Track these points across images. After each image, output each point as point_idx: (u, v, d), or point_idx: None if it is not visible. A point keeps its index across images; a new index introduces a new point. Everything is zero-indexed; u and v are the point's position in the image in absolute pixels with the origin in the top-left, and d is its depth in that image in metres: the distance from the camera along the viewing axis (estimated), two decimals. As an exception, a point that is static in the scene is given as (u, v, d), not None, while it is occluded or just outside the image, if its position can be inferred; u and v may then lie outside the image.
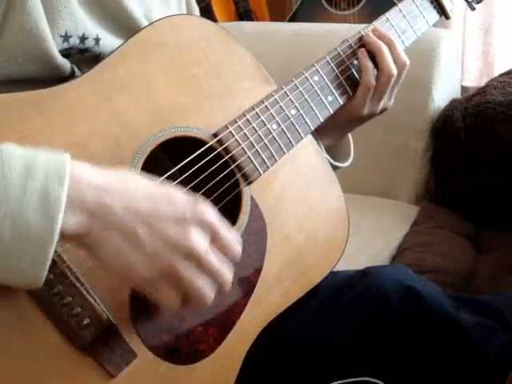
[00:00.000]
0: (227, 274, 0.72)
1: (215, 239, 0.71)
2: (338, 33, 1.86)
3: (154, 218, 0.68)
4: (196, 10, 1.06)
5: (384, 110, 1.02)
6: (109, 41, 0.86)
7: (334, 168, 1.04)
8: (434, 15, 1.07)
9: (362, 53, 0.98)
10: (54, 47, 0.80)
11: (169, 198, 0.70)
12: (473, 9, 1.17)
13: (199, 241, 0.69)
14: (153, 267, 0.68)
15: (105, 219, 0.66)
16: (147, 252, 0.67)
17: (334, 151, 1.07)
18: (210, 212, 0.71)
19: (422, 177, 1.83)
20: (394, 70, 0.97)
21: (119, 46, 0.82)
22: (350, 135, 1.08)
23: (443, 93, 1.82)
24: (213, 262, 0.70)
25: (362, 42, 0.99)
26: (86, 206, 0.65)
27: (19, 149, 0.65)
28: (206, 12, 2.72)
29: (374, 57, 0.98)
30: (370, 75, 0.97)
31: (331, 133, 1.04)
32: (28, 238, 0.62)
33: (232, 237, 0.72)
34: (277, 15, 2.99)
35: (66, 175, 0.64)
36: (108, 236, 0.66)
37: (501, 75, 1.85)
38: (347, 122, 1.03)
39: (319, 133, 1.00)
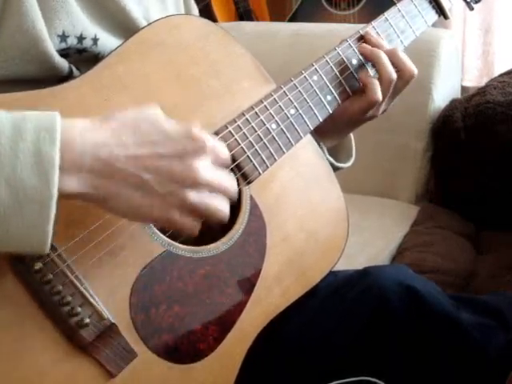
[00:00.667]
0: (234, 184, 0.75)
1: (214, 157, 0.72)
2: (338, 33, 1.86)
3: (156, 160, 0.68)
4: (195, 9, 1.06)
5: (384, 111, 1.02)
6: (107, 40, 0.86)
7: (336, 169, 1.05)
8: (432, 15, 1.07)
9: (366, 73, 0.97)
10: (51, 47, 0.79)
11: (164, 134, 0.70)
12: (471, 9, 1.17)
13: (205, 169, 0.70)
14: (168, 206, 0.69)
15: (108, 173, 0.66)
16: (159, 194, 0.68)
17: (336, 152, 1.07)
18: (205, 137, 0.71)
19: (422, 177, 1.83)
20: (394, 75, 0.96)
21: (118, 46, 0.82)
22: (351, 135, 1.08)
23: (443, 93, 1.82)
24: (222, 183, 0.73)
25: (362, 42, 0.98)
26: (84, 164, 0.65)
27: (6, 112, 0.64)
28: (206, 12, 2.72)
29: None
30: (376, 91, 0.96)
31: (332, 134, 1.03)
32: (26, 198, 0.61)
33: (223, 148, 0.75)
34: (277, 15, 2.99)
35: (57, 132, 0.63)
36: (116, 188, 0.67)
37: (501, 75, 1.85)
38: (347, 123, 1.02)
39: (320, 134, 1.00)
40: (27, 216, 0.62)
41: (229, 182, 0.74)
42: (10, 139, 0.62)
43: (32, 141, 0.62)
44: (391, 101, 1.01)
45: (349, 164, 1.08)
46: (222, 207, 0.73)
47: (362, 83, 0.97)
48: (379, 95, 0.95)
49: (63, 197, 0.64)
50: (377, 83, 0.96)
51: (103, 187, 0.66)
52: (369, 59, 0.98)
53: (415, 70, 0.98)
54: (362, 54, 0.98)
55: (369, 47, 0.97)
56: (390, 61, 0.96)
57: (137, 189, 0.68)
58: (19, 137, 0.62)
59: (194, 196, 0.70)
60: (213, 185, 0.72)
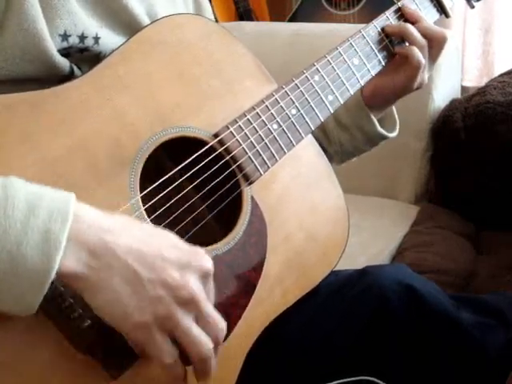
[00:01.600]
0: (224, 327, 0.70)
1: (208, 290, 0.70)
2: (338, 33, 1.86)
3: (157, 261, 0.66)
4: (207, 8, 1.06)
5: (419, 87, 1.06)
6: (109, 39, 0.86)
7: (380, 137, 1.09)
8: (433, 13, 1.08)
9: (399, 47, 1.03)
10: (52, 46, 0.79)
11: (172, 242, 0.69)
12: (472, 7, 1.18)
13: (200, 290, 0.68)
14: (152, 313, 0.65)
15: (106, 258, 0.64)
16: (148, 296, 0.65)
17: (381, 122, 1.10)
18: (210, 263, 0.70)
19: (422, 177, 1.83)
20: (424, 41, 1.01)
21: (120, 45, 0.82)
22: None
23: (443, 93, 1.82)
24: (212, 312, 0.69)
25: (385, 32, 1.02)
26: (86, 244, 0.64)
27: (25, 185, 0.64)
28: (206, 12, 2.72)
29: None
30: (417, 56, 1.00)
31: (381, 105, 1.08)
32: (23, 274, 0.61)
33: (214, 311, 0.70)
34: (277, 15, 2.99)
35: (70, 216, 0.63)
36: (108, 277, 0.64)
37: (501, 75, 1.85)
38: (396, 94, 1.07)
39: (370, 107, 1.06)
40: (20, 288, 0.62)
41: (221, 321, 0.70)
42: (22, 214, 0.61)
43: (43, 220, 0.62)
44: (432, 67, 1.06)
45: (395, 133, 1.12)
46: (204, 341, 0.68)
47: (400, 55, 1.02)
48: (421, 58, 1.00)
49: (57, 277, 0.63)
50: (415, 49, 1.00)
51: (97, 270, 0.64)
52: (397, 35, 1.02)
53: (445, 34, 1.03)
54: (388, 34, 1.02)
55: (393, 25, 1.02)
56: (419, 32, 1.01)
57: (128, 283, 0.65)
58: (32, 213, 0.62)
59: (181, 313, 0.66)
60: (204, 310, 0.68)
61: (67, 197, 0.64)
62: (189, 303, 0.67)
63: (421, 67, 1.01)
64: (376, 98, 1.06)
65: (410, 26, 1.01)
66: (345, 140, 1.11)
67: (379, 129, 1.09)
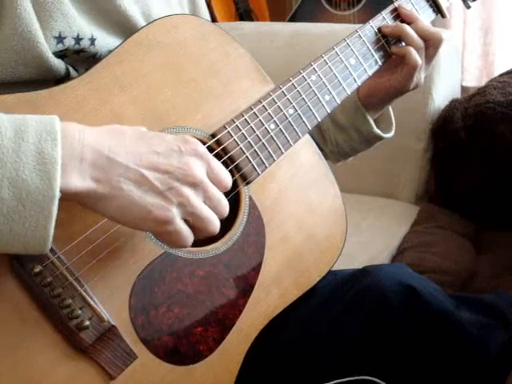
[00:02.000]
0: (224, 199, 0.74)
1: (210, 168, 0.73)
2: (337, 33, 1.86)
3: (154, 157, 0.69)
4: (203, 8, 1.06)
5: (415, 87, 1.07)
6: (104, 40, 0.86)
7: (376, 137, 1.10)
8: (429, 14, 1.08)
9: (396, 47, 1.03)
10: (47, 49, 0.79)
11: (159, 137, 0.71)
12: (468, 7, 1.18)
13: (200, 170, 0.71)
14: (167, 204, 0.69)
15: (109, 167, 0.66)
16: (159, 191, 0.68)
17: (377, 123, 1.11)
18: (200, 144, 0.72)
19: (422, 177, 1.83)
20: (421, 42, 1.02)
21: (117, 47, 0.82)
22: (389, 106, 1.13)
23: (443, 93, 1.82)
24: (214, 188, 0.72)
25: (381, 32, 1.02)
26: (84, 159, 0.65)
27: (6, 115, 0.65)
28: (206, 12, 2.72)
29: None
30: (414, 56, 1.01)
31: (378, 106, 1.09)
32: (28, 199, 0.62)
33: (222, 167, 0.75)
34: (277, 15, 2.99)
35: (58, 134, 0.64)
36: (116, 185, 0.67)
37: (501, 75, 1.84)
38: (393, 94, 1.07)
39: (366, 107, 1.07)
40: (30, 216, 0.62)
41: (222, 198, 0.74)
42: (11, 141, 0.62)
43: (34, 142, 0.63)
44: (428, 68, 1.06)
45: (391, 134, 1.13)
46: (214, 219, 0.73)
47: (397, 54, 1.02)
48: (418, 58, 1.01)
49: (65, 197, 0.65)
50: (412, 49, 1.01)
51: (104, 181, 0.66)
52: (393, 35, 1.02)
53: (442, 35, 1.03)
54: (385, 35, 1.02)
55: (389, 25, 1.03)
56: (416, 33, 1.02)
57: (138, 185, 0.68)
58: (21, 139, 0.63)
59: (192, 194, 0.70)
60: (208, 189, 0.72)
61: (51, 118, 0.65)
62: (195, 185, 0.70)
63: (417, 67, 1.02)
64: (372, 98, 1.07)
65: (406, 27, 1.02)
66: (341, 140, 1.11)
67: (375, 129, 1.09)
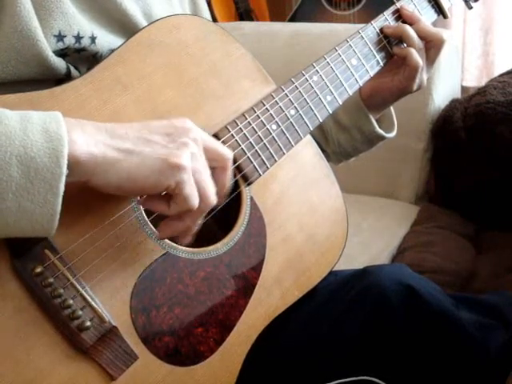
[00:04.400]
0: (226, 152, 0.77)
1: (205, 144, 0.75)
2: (338, 33, 1.86)
3: (151, 128, 0.72)
4: (204, 8, 1.06)
5: (418, 88, 1.07)
6: (105, 38, 0.86)
7: (379, 137, 1.10)
8: (431, 14, 1.08)
9: (397, 48, 1.03)
10: (47, 48, 0.79)
11: (151, 123, 0.73)
12: (470, 8, 1.18)
13: (195, 133, 0.73)
14: (180, 150, 0.70)
15: (115, 135, 0.68)
16: (166, 143, 0.70)
17: (379, 122, 1.11)
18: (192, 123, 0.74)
19: (422, 177, 1.83)
20: (421, 43, 1.02)
21: (118, 47, 0.82)
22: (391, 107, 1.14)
23: (443, 93, 1.82)
24: (211, 142, 0.75)
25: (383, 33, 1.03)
26: (89, 132, 0.67)
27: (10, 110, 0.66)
28: (206, 12, 2.72)
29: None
30: (415, 57, 1.01)
31: (380, 106, 1.09)
32: (37, 176, 0.63)
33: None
34: (277, 15, 2.99)
35: (60, 116, 0.66)
36: (125, 147, 0.68)
37: (501, 75, 1.84)
38: (396, 95, 1.08)
39: (369, 107, 1.07)
40: (38, 193, 0.63)
41: (221, 149, 0.76)
42: (18, 122, 0.64)
43: (39, 123, 0.64)
44: (430, 69, 1.07)
45: (394, 133, 1.13)
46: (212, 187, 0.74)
47: (398, 55, 1.03)
48: (419, 59, 1.01)
49: (75, 171, 0.66)
50: (413, 50, 1.01)
51: (112, 146, 0.68)
52: (394, 36, 1.03)
53: (443, 36, 1.03)
54: (386, 36, 1.02)
55: (391, 26, 1.03)
56: (417, 34, 1.02)
57: (145, 144, 0.70)
58: (27, 121, 0.64)
59: (193, 144, 0.72)
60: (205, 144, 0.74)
61: (53, 112, 0.67)
62: (195, 141, 0.73)
63: (419, 69, 1.02)
64: (374, 98, 1.07)
65: (407, 28, 1.02)
66: (343, 140, 1.11)
67: (377, 129, 1.09)
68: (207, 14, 1.07)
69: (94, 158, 0.66)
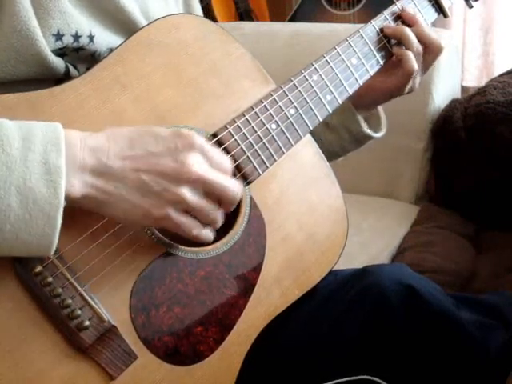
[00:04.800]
0: (233, 185, 0.76)
1: (208, 159, 0.74)
2: (338, 33, 1.86)
3: (149, 159, 0.71)
4: (197, 8, 1.06)
5: (410, 91, 1.07)
6: (103, 37, 0.86)
7: (367, 137, 1.10)
8: (432, 14, 1.08)
9: (396, 47, 1.02)
10: (45, 47, 0.79)
11: (154, 136, 0.73)
12: (470, 7, 1.17)
13: (197, 164, 0.72)
14: (164, 203, 0.71)
15: (107, 175, 0.69)
16: (155, 192, 0.71)
17: (367, 121, 1.11)
18: (195, 136, 0.73)
19: (422, 177, 1.83)
20: (420, 47, 1.01)
21: (118, 46, 0.82)
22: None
23: (443, 93, 1.82)
24: (215, 178, 0.74)
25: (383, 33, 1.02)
26: (86, 168, 0.68)
27: (14, 123, 0.67)
28: (206, 12, 2.72)
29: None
30: (411, 61, 1.01)
31: (369, 106, 1.09)
32: (35, 207, 0.64)
33: (221, 154, 0.77)
34: (277, 15, 2.99)
35: (62, 144, 0.67)
36: (115, 191, 0.70)
37: (501, 75, 1.84)
38: (386, 97, 1.08)
39: (357, 107, 1.07)
40: (35, 224, 0.65)
41: (227, 181, 0.75)
42: (19, 150, 0.65)
43: (40, 152, 0.65)
44: (423, 73, 1.06)
45: (382, 133, 1.12)
46: (215, 213, 0.76)
47: (396, 56, 1.02)
48: (415, 64, 1.01)
49: (68, 204, 0.67)
50: (410, 53, 1.01)
51: (104, 188, 0.69)
52: (393, 37, 1.02)
53: (442, 43, 1.03)
54: (386, 35, 1.02)
55: (391, 26, 1.02)
56: (416, 37, 1.01)
57: (134, 189, 0.70)
58: (28, 148, 0.65)
59: (187, 193, 0.72)
60: (208, 182, 0.73)
61: (55, 126, 0.68)
62: (192, 182, 0.72)
63: (413, 73, 1.01)
64: (364, 99, 1.06)
65: (407, 30, 1.01)
66: (332, 140, 1.11)
67: (365, 129, 1.09)
68: (200, 14, 1.07)
69: (86, 198, 0.69)
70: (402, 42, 1.02)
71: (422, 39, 1.02)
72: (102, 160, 0.69)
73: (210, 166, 0.74)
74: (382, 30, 1.02)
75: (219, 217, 0.77)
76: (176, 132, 0.73)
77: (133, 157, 0.71)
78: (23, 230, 0.64)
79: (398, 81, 1.03)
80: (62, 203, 0.65)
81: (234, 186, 0.76)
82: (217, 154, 0.76)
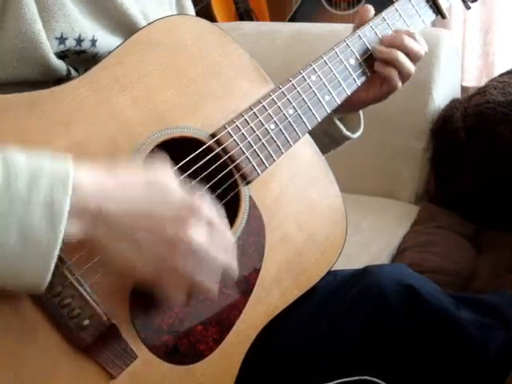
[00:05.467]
0: (232, 262, 0.74)
1: (212, 231, 0.72)
2: (338, 33, 1.86)
3: (151, 220, 0.69)
4: (190, 10, 1.06)
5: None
6: (105, 41, 0.86)
7: (346, 139, 1.09)
8: (429, 14, 1.07)
9: (378, 66, 1.00)
10: (49, 50, 0.80)
11: (165, 195, 0.70)
12: (468, 8, 1.17)
13: (197, 235, 0.70)
14: (155, 267, 0.70)
15: (105, 225, 0.67)
16: (148, 254, 0.69)
17: (343, 121, 1.10)
18: (205, 205, 0.72)
19: (422, 177, 1.82)
20: (412, 69, 1.01)
21: (117, 47, 0.82)
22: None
23: (443, 93, 1.82)
24: (214, 254, 0.72)
25: (374, 53, 1.00)
26: (87, 214, 0.67)
27: (23, 156, 0.66)
28: (206, 12, 2.73)
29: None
30: (395, 82, 1.00)
31: (344, 112, 1.07)
32: (33, 245, 0.63)
33: (226, 232, 0.75)
34: (277, 15, 2.99)
35: (69, 187, 0.65)
36: (110, 241, 0.68)
37: (501, 75, 1.84)
38: (363, 106, 1.07)
39: (336, 110, 1.04)
40: (31, 262, 0.64)
41: (227, 257, 0.74)
42: (26, 185, 0.64)
43: (45, 191, 0.64)
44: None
45: (360, 132, 1.11)
46: (210, 285, 0.73)
47: (380, 74, 1.00)
48: (399, 83, 1.00)
49: (65, 244, 0.66)
50: (395, 73, 0.99)
51: (99, 237, 0.68)
52: (387, 61, 1.00)
53: (423, 51, 1.01)
54: (380, 56, 1.00)
55: (384, 50, 0.99)
56: (403, 50, 0.99)
57: (130, 246, 0.69)
58: (34, 185, 0.64)
59: (182, 263, 0.70)
60: (205, 254, 0.71)
61: (66, 167, 0.66)
62: (188, 251, 0.70)
63: (397, 89, 1.01)
64: (345, 107, 1.02)
65: (400, 56, 0.99)
66: None
67: (345, 132, 1.08)
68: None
69: (82, 243, 0.68)
70: (395, 67, 1.00)
71: (407, 55, 1.00)
72: (104, 208, 0.67)
73: (211, 240, 0.72)
74: (375, 51, 1.00)
75: (212, 294, 0.74)
76: (187, 201, 0.71)
77: (135, 214, 0.69)
78: (19, 265, 0.64)
79: (381, 94, 1.03)
80: (60, 244, 0.64)
81: (232, 266, 0.75)
82: (221, 232, 0.73)
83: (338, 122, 1.07)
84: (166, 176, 0.72)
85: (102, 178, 0.69)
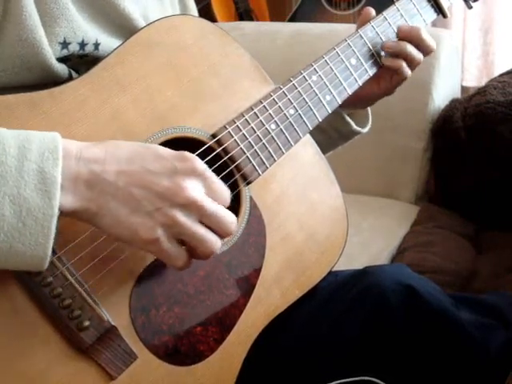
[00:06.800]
0: (228, 216, 0.72)
1: (207, 186, 0.71)
2: (338, 33, 1.86)
3: (145, 176, 0.69)
4: (193, 9, 1.06)
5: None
6: (108, 44, 0.86)
7: (355, 134, 1.09)
8: (431, 14, 1.07)
9: (386, 60, 1.01)
10: (51, 55, 0.80)
11: (155, 154, 0.71)
12: (470, 7, 1.17)
13: (194, 189, 0.70)
14: (154, 225, 0.68)
15: (99, 187, 0.67)
16: (146, 211, 0.68)
17: (352, 118, 1.11)
18: (198, 161, 0.71)
19: (422, 177, 1.83)
20: (421, 56, 1.02)
21: (117, 47, 0.82)
22: None
23: (443, 93, 1.82)
24: (212, 207, 0.71)
25: (384, 46, 1.01)
26: (80, 179, 0.67)
27: (11, 132, 0.66)
28: (206, 12, 2.73)
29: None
30: (405, 72, 1.01)
31: (354, 106, 1.08)
32: (29, 217, 0.63)
33: (221, 184, 0.74)
34: (277, 15, 3.00)
35: (59, 153, 0.65)
36: (106, 204, 0.68)
37: (501, 75, 1.84)
38: (373, 100, 1.08)
39: (342, 105, 1.04)
40: (29, 234, 0.64)
41: (224, 211, 0.72)
42: (15, 159, 0.64)
43: (36, 161, 0.64)
44: None
45: (368, 127, 1.12)
46: (212, 238, 0.72)
47: (390, 68, 1.01)
48: (409, 72, 1.01)
49: (61, 214, 0.66)
50: (405, 64, 1.00)
51: (94, 200, 0.67)
52: (395, 54, 1.01)
53: (434, 47, 1.03)
54: (388, 52, 1.01)
55: (393, 43, 1.01)
56: (414, 42, 1.00)
57: (125, 204, 0.68)
58: (24, 157, 0.64)
59: (181, 216, 0.69)
60: (204, 208, 0.70)
61: (53, 136, 0.67)
62: (187, 206, 0.69)
63: (406, 79, 1.02)
64: (355, 102, 1.04)
65: (409, 48, 1.00)
66: (320, 139, 1.10)
67: (355, 127, 1.09)
68: (196, 15, 1.07)
69: (77, 210, 0.67)
70: (405, 60, 1.01)
71: (420, 47, 1.01)
72: (96, 172, 0.67)
73: (208, 193, 0.71)
74: (383, 47, 1.01)
75: (213, 247, 0.72)
76: (179, 154, 0.71)
77: (129, 172, 0.69)
78: (17, 240, 0.64)
79: (392, 86, 1.04)
80: (56, 213, 0.64)
81: (229, 217, 0.73)
82: (217, 182, 0.73)
83: (347, 118, 1.08)
84: (156, 145, 0.73)
85: (89, 145, 0.69)
